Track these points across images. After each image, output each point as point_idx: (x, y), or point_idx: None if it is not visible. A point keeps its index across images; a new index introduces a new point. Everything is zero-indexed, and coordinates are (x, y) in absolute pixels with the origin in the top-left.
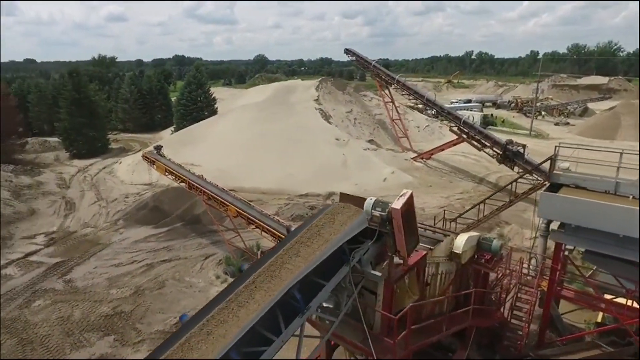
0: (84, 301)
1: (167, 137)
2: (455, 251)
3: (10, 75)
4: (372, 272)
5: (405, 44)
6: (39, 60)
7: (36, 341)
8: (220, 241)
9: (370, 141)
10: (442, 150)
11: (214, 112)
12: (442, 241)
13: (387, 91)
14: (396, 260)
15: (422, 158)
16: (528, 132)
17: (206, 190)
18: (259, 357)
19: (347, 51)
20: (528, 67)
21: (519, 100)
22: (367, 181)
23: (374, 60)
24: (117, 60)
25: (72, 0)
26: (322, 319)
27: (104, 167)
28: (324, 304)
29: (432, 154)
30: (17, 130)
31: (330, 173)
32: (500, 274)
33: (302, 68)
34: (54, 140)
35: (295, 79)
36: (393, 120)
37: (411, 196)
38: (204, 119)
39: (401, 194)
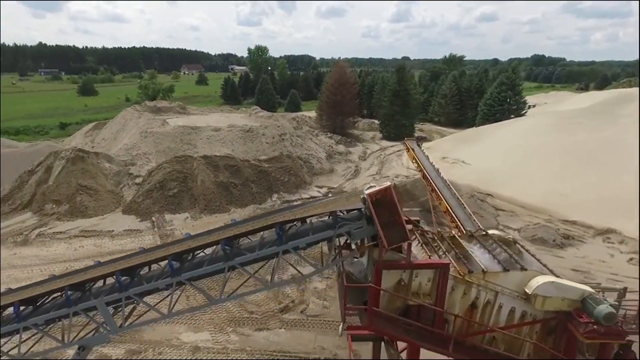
0: None
1: (455, 134)
2: (526, 290)
3: (382, 69)
4: (353, 247)
5: None
6: (412, 58)
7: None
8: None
9: None
10: None
11: (521, 115)
12: (509, 270)
13: None
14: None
15: None
16: None
17: (432, 182)
18: (235, 257)
19: None
20: None
21: None
22: None
23: None
24: (466, 58)
25: (451, 1)
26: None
27: (398, 150)
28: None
29: None
30: (355, 112)
31: (620, 205)
32: None
33: None
34: (378, 122)
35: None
36: None
37: (388, 188)
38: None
39: (383, 184)
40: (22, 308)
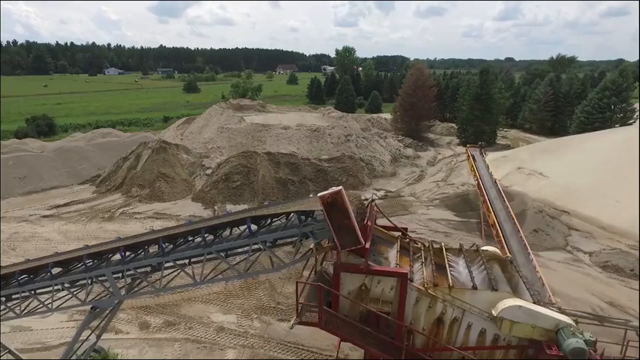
0: None
1: (537, 143)
2: (492, 311)
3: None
4: (313, 245)
5: None
6: (517, 59)
7: None
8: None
9: None
10: None
11: (627, 125)
12: (477, 289)
13: None
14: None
15: None
16: None
17: (484, 192)
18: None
19: None
20: None
21: None
22: None
23: None
24: (584, 59)
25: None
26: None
27: None
28: None
29: None
30: (431, 115)
31: None
32: None
33: None
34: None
35: None
36: None
37: (339, 192)
38: None
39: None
40: (55, 270)
